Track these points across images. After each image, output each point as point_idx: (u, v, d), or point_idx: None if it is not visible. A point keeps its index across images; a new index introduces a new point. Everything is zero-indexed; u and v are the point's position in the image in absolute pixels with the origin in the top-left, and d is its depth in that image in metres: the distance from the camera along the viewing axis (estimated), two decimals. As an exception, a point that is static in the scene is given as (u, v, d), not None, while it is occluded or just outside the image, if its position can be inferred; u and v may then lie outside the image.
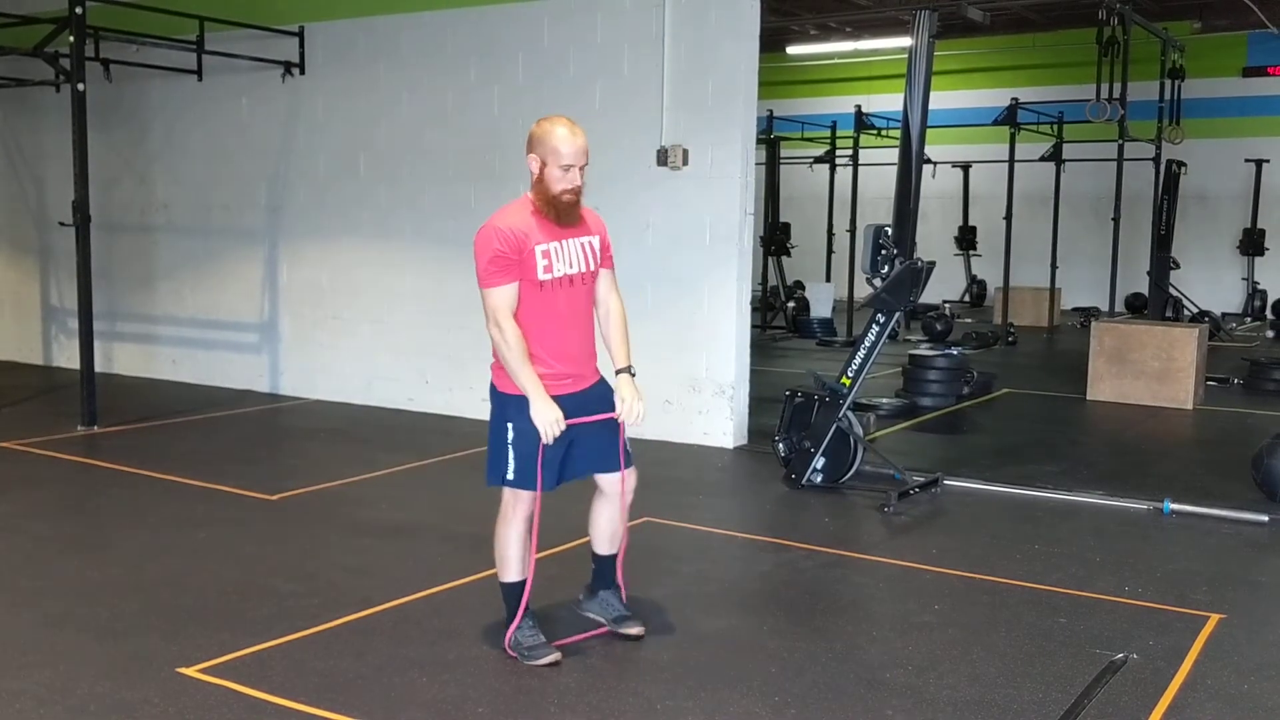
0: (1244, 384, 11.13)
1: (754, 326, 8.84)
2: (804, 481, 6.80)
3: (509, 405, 3.99)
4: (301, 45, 9.72)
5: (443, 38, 9.03)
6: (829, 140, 17.67)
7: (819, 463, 6.79)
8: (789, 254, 16.67)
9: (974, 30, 16.90)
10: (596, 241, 4.13)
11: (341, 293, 9.72)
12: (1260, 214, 17.88)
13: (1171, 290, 15.43)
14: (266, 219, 10.10)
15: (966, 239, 19.93)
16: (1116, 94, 13.16)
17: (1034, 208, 18.33)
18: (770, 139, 16.28)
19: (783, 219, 16.66)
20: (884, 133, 16.11)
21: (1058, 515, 6.35)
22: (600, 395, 4.13)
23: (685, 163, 7.97)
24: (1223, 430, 9.15)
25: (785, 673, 4.09)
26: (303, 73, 9.76)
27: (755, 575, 5.38)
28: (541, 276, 3.95)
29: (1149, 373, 9.91)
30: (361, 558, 5.47)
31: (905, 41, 8.83)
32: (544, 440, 3.90)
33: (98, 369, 8.76)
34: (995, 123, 15.32)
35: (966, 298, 20.21)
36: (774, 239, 16.36)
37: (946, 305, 17.55)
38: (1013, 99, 14.92)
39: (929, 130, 6.91)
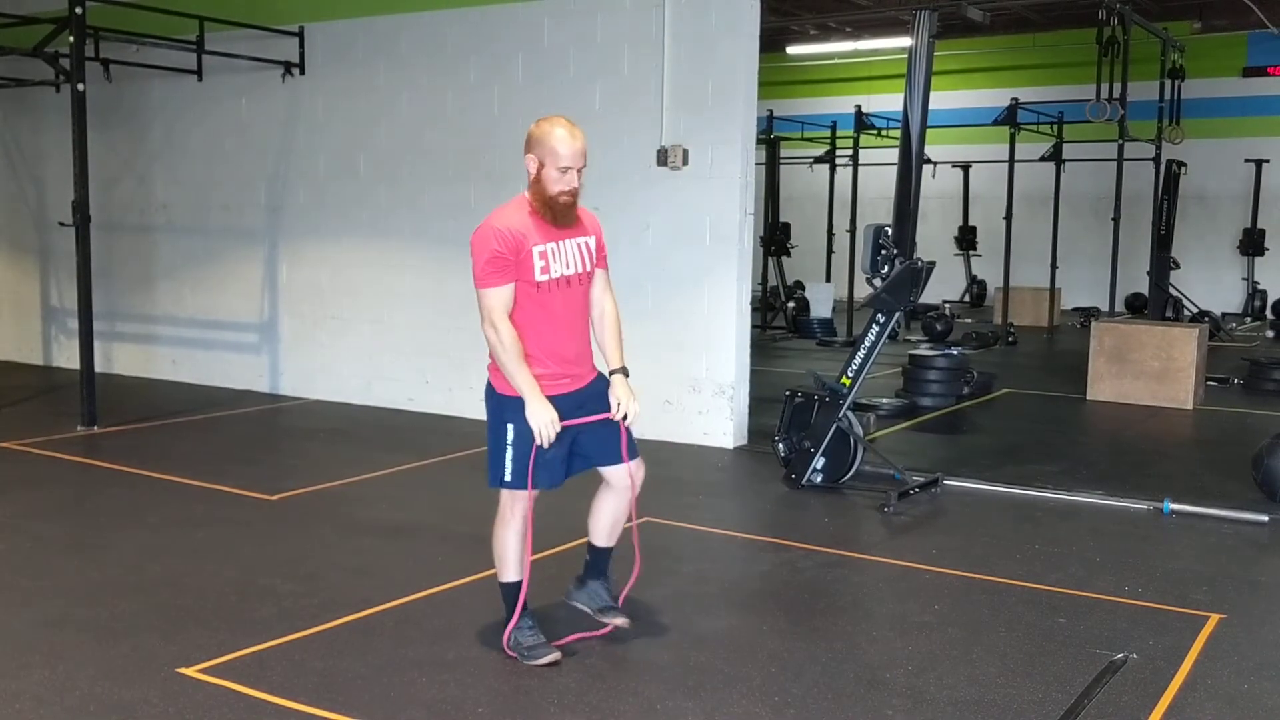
0: (1244, 384, 11.13)
1: (754, 326, 8.84)
2: (804, 481, 6.80)
3: (508, 406, 3.99)
4: (301, 45, 9.72)
5: (443, 37, 9.03)
6: (829, 140, 17.66)
7: (819, 463, 6.79)
8: (789, 254, 16.68)
9: (974, 30, 16.91)
10: (593, 242, 4.13)
11: (341, 293, 9.72)
12: (1260, 214, 17.89)
13: (1171, 290, 15.43)
14: (266, 219, 10.10)
15: (966, 239, 19.93)
16: (1116, 94, 13.15)
17: (1034, 208, 18.34)
18: (770, 139, 16.28)
19: (783, 219, 16.66)
20: (884, 133, 16.11)
21: (1057, 515, 6.34)
22: (598, 392, 4.13)
23: (685, 163, 7.97)
24: (1223, 430, 9.15)
25: (785, 673, 4.08)
26: (303, 73, 9.76)
27: (755, 575, 5.38)
28: (539, 278, 3.94)
29: (1149, 373, 9.91)
30: (361, 558, 5.47)
31: (905, 41, 8.83)
32: (538, 441, 3.90)
33: (97, 369, 8.76)
34: (995, 123, 15.33)
35: (966, 298, 20.21)
36: (774, 239, 16.36)
37: (946, 305, 17.55)
38: (1013, 99, 14.92)
39: (929, 130, 6.91)
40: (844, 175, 16.91)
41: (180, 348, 10.76)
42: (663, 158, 8.02)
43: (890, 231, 6.72)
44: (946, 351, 10.29)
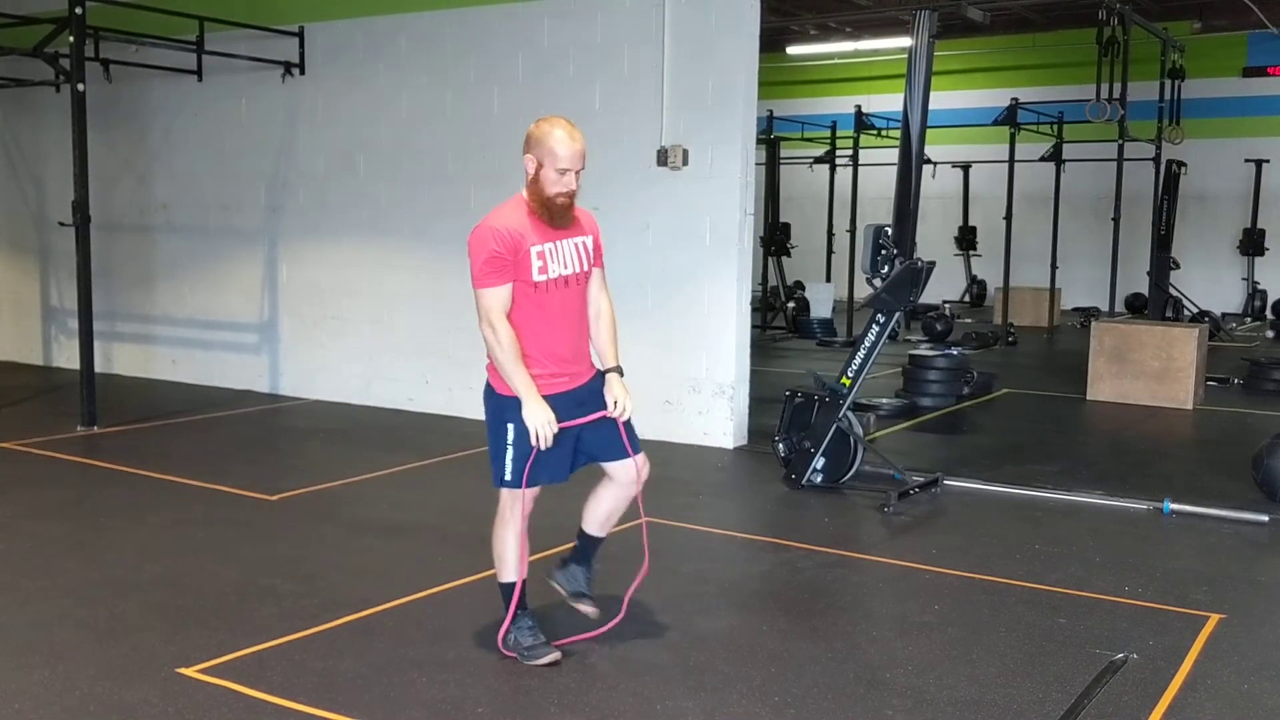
0: (1244, 384, 11.13)
1: (754, 327, 8.84)
2: (804, 482, 6.80)
3: (507, 406, 3.98)
4: (301, 45, 9.72)
5: (442, 37, 9.03)
6: (829, 140, 17.67)
7: (819, 463, 6.79)
8: (789, 254, 16.68)
9: (974, 30, 16.91)
10: (590, 242, 4.13)
11: (341, 293, 9.72)
12: (1260, 214, 17.89)
13: (1171, 290, 15.43)
14: (266, 219, 10.10)
15: (966, 239, 19.93)
16: (1116, 94, 13.15)
17: (1034, 208, 18.34)
18: (770, 139, 16.28)
19: (783, 219, 16.66)
20: (884, 133, 16.12)
21: (1057, 515, 6.34)
22: (596, 390, 4.13)
23: (685, 162, 7.97)
24: (1223, 430, 9.15)
25: (785, 673, 4.08)
26: (302, 73, 9.76)
27: (755, 575, 5.38)
28: (537, 278, 3.94)
29: (1149, 373, 9.91)
30: (361, 558, 5.47)
31: (905, 41, 8.83)
32: (533, 442, 3.90)
33: (97, 369, 8.76)
34: (995, 123, 15.33)
35: (966, 298, 20.22)
36: (774, 239, 16.36)
37: (946, 305, 17.54)
38: (1013, 99, 14.92)
39: (929, 130, 6.91)
40: (844, 175, 16.92)
41: (180, 348, 10.76)
42: (663, 157, 8.02)
43: (890, 231, 6.72)
44: (946, 351, 10.29)
